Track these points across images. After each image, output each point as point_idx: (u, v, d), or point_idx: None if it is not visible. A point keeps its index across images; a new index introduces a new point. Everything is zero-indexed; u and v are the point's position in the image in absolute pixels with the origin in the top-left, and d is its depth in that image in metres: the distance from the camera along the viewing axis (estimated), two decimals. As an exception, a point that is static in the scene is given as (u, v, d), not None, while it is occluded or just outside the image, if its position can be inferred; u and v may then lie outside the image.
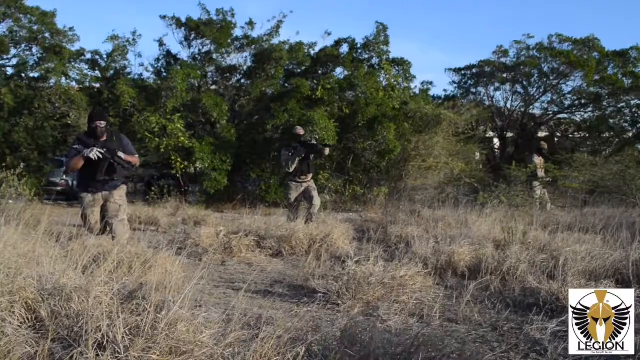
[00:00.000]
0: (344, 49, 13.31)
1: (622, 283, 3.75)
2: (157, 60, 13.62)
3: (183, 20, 13.04)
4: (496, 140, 17.31)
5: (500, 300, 3.57)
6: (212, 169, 11.39)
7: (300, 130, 7.46)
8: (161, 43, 13.47)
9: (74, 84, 13.09)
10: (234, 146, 11.89)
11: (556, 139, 16.64)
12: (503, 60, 16.36)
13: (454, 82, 17.45)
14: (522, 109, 16.75)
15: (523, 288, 3.77)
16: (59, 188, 12.44)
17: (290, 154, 7.16)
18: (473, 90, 17.23)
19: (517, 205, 8.34)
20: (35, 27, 13.08)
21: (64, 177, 12.59)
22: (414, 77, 14.14)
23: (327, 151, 7.58)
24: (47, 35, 13.19)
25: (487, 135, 16.95)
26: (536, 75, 16.10)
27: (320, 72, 13.18)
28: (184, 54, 13.63)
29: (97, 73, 13.43)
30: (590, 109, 16.36)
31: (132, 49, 13.47)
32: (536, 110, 17.02)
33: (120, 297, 2.48)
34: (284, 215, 7.22)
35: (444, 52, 60.25)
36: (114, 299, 2.41)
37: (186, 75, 11.90)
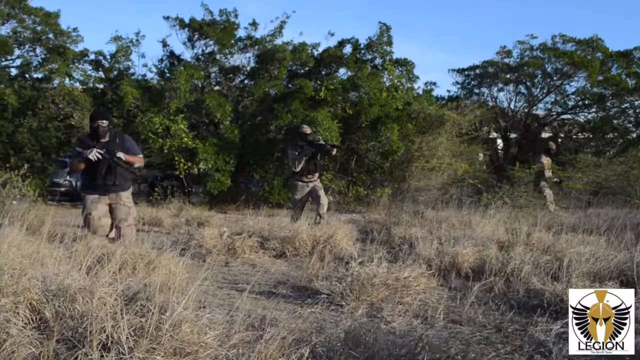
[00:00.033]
0: (347, 49, 13.29)
1: (627, 284, 3.73)
2: (161, 60, 13.63)
3: (186, 20, 13.03)
4: (500, 141, 17.30)
5: (504, 301, 3.56)
6: (216, 169, 11.38)
7: (307, 129, 7.31)
8: (164, 44, 13.50)
9: (77, 84, 13.12)
10: (237, 147, 11.88)
11: (560, 140, 16.61)
12: (506, 60, 16.38)
13: (457, 82, 17.51)
14: (526, 110, 16.75)
15: (527, 289, 3.76)
16: (62, 189, 12.47)
17: (297, 153, 6.99)
18: (476, 90, 17.25)
19: (521, 206, 8.33)
20: (39, 28, 13.13)
21: (68, 177, 12.61)
22: (417, 77, 14.10)
23: (334, 151, 7.50)
24: (50, 35, 13.24)
25: (491, 136, 16.95)
26: (540, 75, 16.09)
27: (323, 72, 13.15)
28: (187, 55, 13.67)
29: (101, 74, 13.44)
30: (593, 109, 16.35)
31: (136, 49, 13.54)
32: (540, 110, 17.03)
33: (124, 298, 2.48)
34: (288, 216, 7.20)
35: (445, 52, 60.30)
36: (118, 300, 2.42)
37: (189, 76, 11.90)
